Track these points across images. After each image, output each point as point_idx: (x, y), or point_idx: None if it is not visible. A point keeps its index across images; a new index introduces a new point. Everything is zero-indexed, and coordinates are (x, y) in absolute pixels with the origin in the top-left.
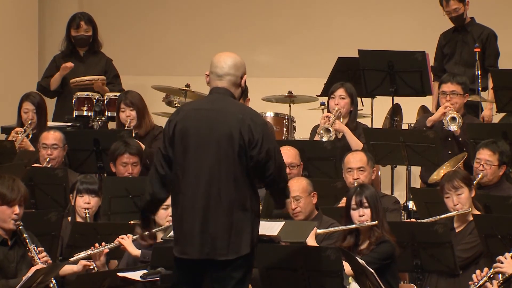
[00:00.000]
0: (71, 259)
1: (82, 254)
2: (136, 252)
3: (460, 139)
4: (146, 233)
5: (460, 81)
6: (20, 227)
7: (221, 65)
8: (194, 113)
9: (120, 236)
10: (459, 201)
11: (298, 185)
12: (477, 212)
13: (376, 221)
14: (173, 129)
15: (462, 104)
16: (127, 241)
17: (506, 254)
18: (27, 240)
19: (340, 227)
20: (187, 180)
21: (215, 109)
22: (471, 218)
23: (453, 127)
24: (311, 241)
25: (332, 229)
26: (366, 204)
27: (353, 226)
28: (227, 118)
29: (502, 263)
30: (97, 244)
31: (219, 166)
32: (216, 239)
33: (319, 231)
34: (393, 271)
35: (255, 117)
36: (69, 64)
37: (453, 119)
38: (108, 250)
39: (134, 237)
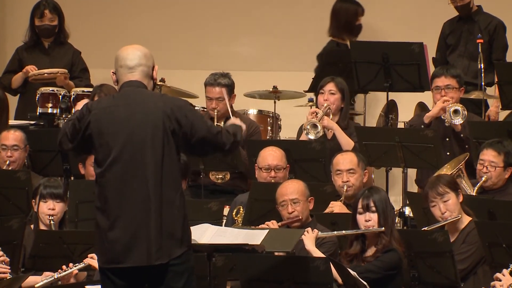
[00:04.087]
0: (37, 285)
1: (49, 279)
2: None
3: (462, 135)
4: None
5: (454, 73)
6: None
7: (131, 56)
8: (106, 113)
9: (90, 255)
10: (447, 208)
11: (296, 188)
12: (468, 218)
13: (383, 228)
14: (85, 126)
15: (458, 99)
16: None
17: (504, 270)
18: None
19: (344, 232)
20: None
21: (132, 104)
22: (462, 226)
23: (458, 120)
24: (310, 245)
25: (335, 233)
26: (374, 209)
27: (358, 231)
28: (149, 110)
29: (500, 280)
30: (64, 266)
31: (147, 164)
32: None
33: (320, 234)
34: (397, 284)
35: (176, 101)
36: (31, 68)
37: (455, 112)
38: (77, 272)
39: None
